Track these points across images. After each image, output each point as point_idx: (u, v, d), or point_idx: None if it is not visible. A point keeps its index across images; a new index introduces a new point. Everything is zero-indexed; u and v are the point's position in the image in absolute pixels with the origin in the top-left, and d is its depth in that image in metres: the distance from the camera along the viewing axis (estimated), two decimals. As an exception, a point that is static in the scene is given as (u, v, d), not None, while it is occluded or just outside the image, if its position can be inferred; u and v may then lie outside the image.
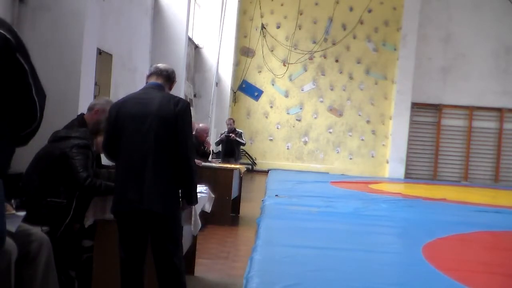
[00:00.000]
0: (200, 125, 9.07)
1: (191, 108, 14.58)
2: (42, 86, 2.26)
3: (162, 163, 3.30)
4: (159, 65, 3.61)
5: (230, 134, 11.12)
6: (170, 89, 3.59)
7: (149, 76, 3.56)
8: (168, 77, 3.55)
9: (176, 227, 3.43)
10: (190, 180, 3.40)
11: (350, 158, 19.61)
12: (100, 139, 3.85)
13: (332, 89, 19.68)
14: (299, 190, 11.19)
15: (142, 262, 3.39)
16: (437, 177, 18.92)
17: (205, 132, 8.86)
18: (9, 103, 2.12)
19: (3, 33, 2.13)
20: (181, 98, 3.48)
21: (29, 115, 2.18)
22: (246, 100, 19.86)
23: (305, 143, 19.77)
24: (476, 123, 18.93)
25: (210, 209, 4.87)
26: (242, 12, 19.53)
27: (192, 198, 3.47)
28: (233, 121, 11.90)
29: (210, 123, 15.68)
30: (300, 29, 19.57)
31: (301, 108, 19.77)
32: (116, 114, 3.40)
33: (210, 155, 9.46)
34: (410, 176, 18.80)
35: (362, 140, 19.58)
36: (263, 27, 19.66)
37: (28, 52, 2.24)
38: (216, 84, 16.29)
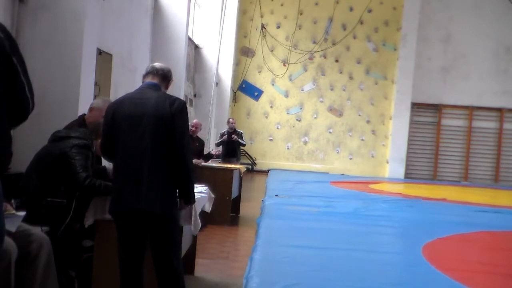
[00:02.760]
0: (194, 120, 9.03)
1: (191, 108, 14.52)
2: (30, 81, 2.31)
3: (159, 163, 3.29)
4: (155, 64, 3.59)
5: (233, 136, 11.13)
6: (167, 88, 3.57)
7: (145, 75, 3.53)
8: (164, 76, 3.53)
9: (174, 227, 3.43)
10: (187, 179, 3.39)
11: (350, 158, 19.61)
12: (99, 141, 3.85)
13: (332, 89, 19.69)
14: (299, 190, 11.17)
15: (140, 262, 3.39)
16: (437, 177, 18.92)
17: (194, 126, 8.74)
18: (5, 102, 2.15)
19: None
20: (177, 98, 3.45)
21: (22, 112, 2.24)
22: (246, 100, 19.86)
23: (305, 143, 19.77)
24: (476, 123, 18.93)
25: (210, 209, 4.87)
26: (242, 12, 19.54)
27: (190, 198, 3.47)
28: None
29: (210, 123, 15.68)
30: (300, 29, 19.58)
31: (301, 108, 19.77)
32: (112, 114, 3.39)
33: (211, 158, 9.46)
34: (410, 176, 18.80)
35: (362, 140, 19.58)
36: (263, 27, 19.66)
37: (20, 50, 2.26)
38: (216, 84, 16.29)
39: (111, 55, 8.31)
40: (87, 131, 4.01)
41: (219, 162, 10.55)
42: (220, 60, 16.27)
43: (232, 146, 11.20)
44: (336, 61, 19.61)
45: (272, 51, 19.74)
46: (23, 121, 2.30)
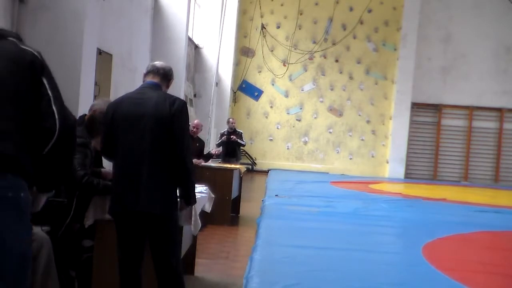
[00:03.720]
0: (195, 121, 9.04)
1: (191, 108, 14.44)
2: (66, 107, 2.27)
3: (159, 163, 3.28)
4: (156, 63, 3.56)
5: (232, 136, 11.14)
6: (168, 87, 3.55)
7: (146, 74, 3.51)
8: (165, 76, 3.50)
9: (174, 228, 3.42)
10: (187, 180, 3.37)
11: (350, 158, 19.61)
12: (96, 140, 3.84)
13: (332, 89, 19.69)
14: (299, 190, 11.17)
15: (140, 262, 3.38)
16: (437, 177, 18.92)
17: (195, 127, 8.73)
18: (30, 116, 2.13)
19: (31, 50, 2.20)
20: (177, 98, 3.43)
21: (47, 128, 2.15)
22: (246, 100, 19.87)
23: (305, 143, 19.77)
24: (476, 123, 18.93)
25: (210, 209, 4.87)
26: (242, 12, 19.54)
27: (190, 198, 3.45)
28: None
29: (210, 123, 15.68)
30: (300, 29, 19.58)
31: (301, 108, 19.77)
32: (112, 114, 3.37)
33: (211, 158, 9.45)
34: (410, 176, 18.81)
35: (362, 140, 19.58)
36: (263, 27, 19.66)
37: (49, 67, 2.26)
38: (216, 84, 16.29)
39: (111, 55, 8.31)
40: (85, 129, 4.00)
41: (219, 162, 10.56)
42: (220, 60, 16.28)
43: (231, 146, 11.21)
44: (336, 61, 19.61)
45: (272, 51, 19.75)
46: (52, 140, 2.16)
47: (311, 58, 19.62)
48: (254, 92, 19.87)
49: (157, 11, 11.15)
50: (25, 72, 2.14)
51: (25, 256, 2.04)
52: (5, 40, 2.21)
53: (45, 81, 2.19)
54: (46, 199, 2.38)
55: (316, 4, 19.57)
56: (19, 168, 2.02)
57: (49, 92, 2.19)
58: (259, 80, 19.86)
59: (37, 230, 3.31)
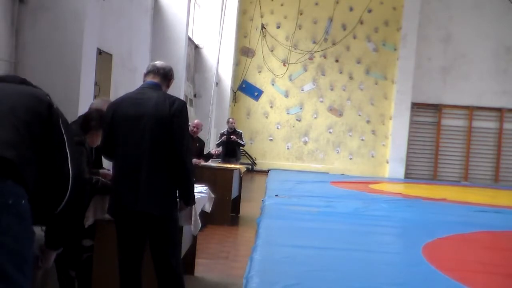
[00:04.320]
0: (195, 121, 9.05)
1: (191, 108, 14.43)
2: (79, 162, 2.30)
3: (158, 163, 3.28)
4: (156, 63, 3.55)
5: (232, 136, 11.14)
6: (168, 87, 3.54)
7: (146, 74, 3.50)
8: (165, 76, 3.50)
9: (174, 228, 3.42)
10: (186, 180, 3.37)
11: (350, 158, 19.61)
12: (90, 137, 3.83)
13: (332, 89, 19.69)
14: (299, 190, 11.17)
15: (140, 262, 3.38)
16: (437, 177, 18.92)
17: (195, 127, 8.72)
18: (45, 173, 2.13)
19: (49, 99, 2.23)
20: (177, 98, 3.43)
21: (61, 186, 2.17)
22: (246, 100, 19.87)
23: (305, 143, 19.77)
24: (476, 123, 18.93)
25: (210, 209, 4.87)
26: (242, 12, 19.54)
27: (189, 199, 3.44)
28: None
29: (210, 123, 15.68)
30: (300, 29, 19.58)
31: (301, 108, 19.77)
32: (112, 114, 3.37)
33: (211, 158, 9.45)
34: (410, 176, 18.81)
35: (362, 140, 19.58)
36: (263, 27, 19.66)
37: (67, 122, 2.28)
38: (216, 84, 16.29)
39: (111, 55, 8.31)
40: (78, 127, 3.97)
41: (219, 162, 10.56)
42: (220, 60, 16.28)
43: (231, 146, 11.20)
44: (336, 61, 19.61)
45: (272, 51, 19.75)
46: (63, 199, 2.21)
47: (311, 58, 19.62)
48: (254, 92, 19.87)
49: (157, 11, 11.15)
50: (41, 106, 2.17)
51: (27, 260, 2.03)
52: (31, 86, 2.28)
53: (64, 133, 2.19)
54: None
55: (316, 4, 19.57)
56: (20, 177, 2.02)
57: (67, 148, 2.20)
58: (259, 80, 19.86)
59: (37, 230, 3.30)
